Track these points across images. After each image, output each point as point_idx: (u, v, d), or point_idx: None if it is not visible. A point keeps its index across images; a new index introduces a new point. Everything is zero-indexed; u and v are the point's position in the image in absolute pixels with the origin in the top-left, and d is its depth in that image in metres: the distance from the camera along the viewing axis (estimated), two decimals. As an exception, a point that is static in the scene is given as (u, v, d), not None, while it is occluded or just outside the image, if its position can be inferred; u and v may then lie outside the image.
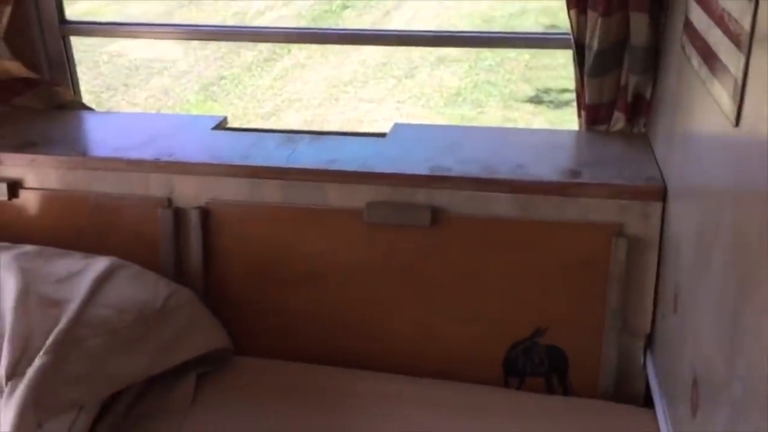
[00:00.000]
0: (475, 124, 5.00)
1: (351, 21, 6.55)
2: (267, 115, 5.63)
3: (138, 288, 1.40)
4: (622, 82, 1.52)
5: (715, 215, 1.03)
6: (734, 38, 0.97)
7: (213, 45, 6.38)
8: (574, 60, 1.56)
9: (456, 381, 1.44)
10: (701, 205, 1.13)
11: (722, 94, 1.01)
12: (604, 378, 1.41)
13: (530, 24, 5.97)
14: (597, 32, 1.47)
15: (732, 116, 0.95)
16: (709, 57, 1.09)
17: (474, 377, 1.45)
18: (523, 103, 5.19)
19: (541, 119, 4.99)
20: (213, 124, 1.71)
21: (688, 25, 1.22)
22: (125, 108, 5.67)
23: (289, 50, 6.33)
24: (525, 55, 5.58)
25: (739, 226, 0.93)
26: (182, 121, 1.83)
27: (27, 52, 1.75)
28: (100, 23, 2.05)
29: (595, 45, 1.48)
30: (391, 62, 5.81)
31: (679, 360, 1.18)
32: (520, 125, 4.94)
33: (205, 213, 1.50)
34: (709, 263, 1.04)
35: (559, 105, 5.06)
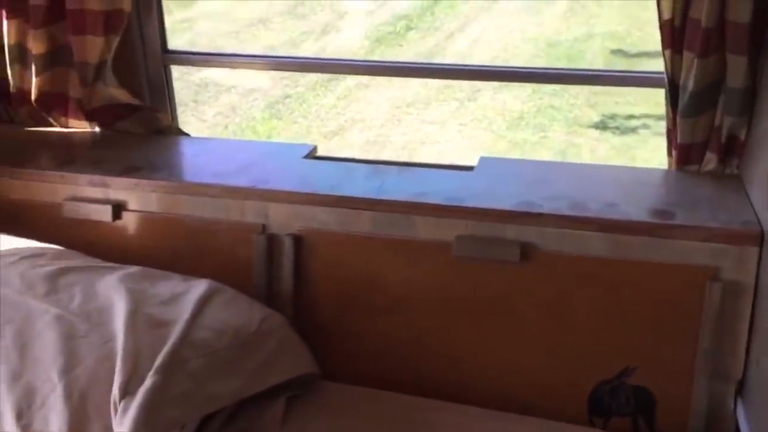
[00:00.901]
0: (538, 148, 4.99)
1: (414, 43, 6.62)
2: (330, 135, 5.73)
3: (234, 311, 1.45)
4: (716, 123, 1.52)
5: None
6: None
7: (279, 64, 6.53)
8: (666, 99, 1.56)
9: (540, 417, 1.45)
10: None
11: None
12: (694, 422, 1.39)
13: (596, 48, 5.92)
14: (693, 73, 1.47)
15: None
16: (819, 106, 1.08)
17: (558, 414, 1.45)
18: (587, 128, 5.14)
19: (606, 146, 4.93)
20: (304, 153, 1.76)
21: (793, 71, 1.22)
22: (194, 123, 5.84)
23: (353, 70, 6.42)
24: (590, 80, 5.55)
25: None
26: (274, 149, 1.90)
27: (130, 79, 1.85)
28: (200, 53, 2.15)
29: (691, 85, 1.48)
30: (454, 84, 5.84)
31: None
32: (585, 151, 4.90)
33: (298, 240, 1.55)
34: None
35: (625, 131, 5.00)
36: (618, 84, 1.86)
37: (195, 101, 6.20)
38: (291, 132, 5.84)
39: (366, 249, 1.53)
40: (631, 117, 4.98)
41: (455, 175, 1.64)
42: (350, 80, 6.29)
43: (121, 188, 1.63)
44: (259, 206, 1.57)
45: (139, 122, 1.86)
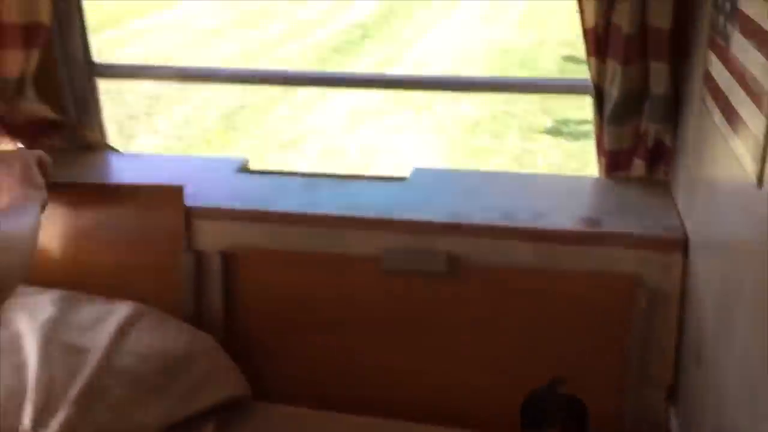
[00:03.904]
0: (494, 154, 5.01)
1: (373, 51, 6.61)
2: (287, 145, 5.68)
3: (160, 335, 1.40)
4: (642, 129, 1.52)
5: (738, 272, 1.02)
6: (755, 99, 0.97)
7: (234, 75, 6.45)
8: (593, 106, 1.56)
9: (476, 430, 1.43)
10: (724, 260, 1.11)
11: (745, 154, 1.01)
12: (627, 428, 1.39)
13: (548, 53, 5.98)
14: (617, 80, 1.47)
15: (755, 177, 0.95)
16: (729, 113, 1.09)
17: (492, 427, 1.43)
18: (541, 134, 5.19)
19: (558, 151, 4.98)
20: (236, 167, 1.72)
21: (708, 77, 1.22)
22: (147, 136, 5.75)
23: (310, 80, 6.38)
24: (544, 85, 5.60)
25: (764, 286, 0.92)
26: (206, 164, 1.85)
27: (54, 93, 1.79)
28: (126, 66, 2.07)
29: (615, 93, 1.49)
30: (410, 93, 5.85)
31: (702, 414, 1.17)
32: (539, 157, 4.94)
33: (227, 257, 1.52)
34: (732, 321, 1.03)
35: (578, 136, 5.05)
36: (548, 91, 1.87)
37: (147, 114, 6.10)
38: (246, 143, 5.79)
39: (297, 265, 1.50)
40: (583, 122, 5.04)
41: (388, 187, 1.62)
42: (308, 89, 6.25)
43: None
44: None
45: (65, 138, 1.80)
